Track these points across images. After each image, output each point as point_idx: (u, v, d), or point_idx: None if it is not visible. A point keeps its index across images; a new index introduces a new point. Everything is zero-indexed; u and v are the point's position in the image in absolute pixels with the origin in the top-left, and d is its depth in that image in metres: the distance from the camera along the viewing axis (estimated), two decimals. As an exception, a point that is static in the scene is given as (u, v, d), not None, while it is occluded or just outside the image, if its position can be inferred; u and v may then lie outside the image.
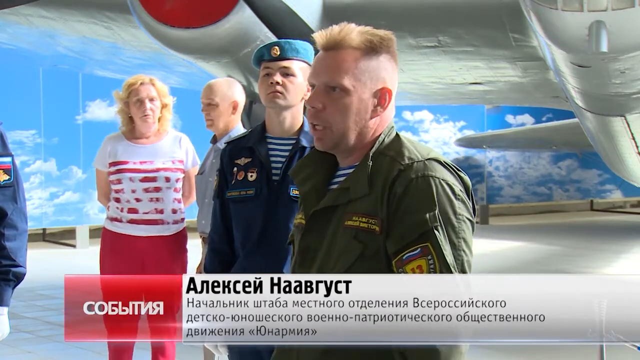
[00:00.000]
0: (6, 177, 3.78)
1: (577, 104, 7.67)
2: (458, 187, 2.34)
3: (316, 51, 2.47)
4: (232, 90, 5.38)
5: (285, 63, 3.65)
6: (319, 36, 2.40)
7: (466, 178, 2.40)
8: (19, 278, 3.81)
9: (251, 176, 3.68)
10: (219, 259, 3.76)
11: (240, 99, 5.40)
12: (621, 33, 5.29)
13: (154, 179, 5.34)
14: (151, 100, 5.37)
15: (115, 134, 5.52)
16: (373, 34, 2.39)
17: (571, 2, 5.18)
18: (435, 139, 16.69)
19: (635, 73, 6.14)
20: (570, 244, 14.15)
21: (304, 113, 3.81)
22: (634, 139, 8.29)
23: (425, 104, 14.64)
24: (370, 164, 2.36)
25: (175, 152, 5.46)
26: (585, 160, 17.67)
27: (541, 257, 12.93)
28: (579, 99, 7.40)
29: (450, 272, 2.25)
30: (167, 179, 5.38)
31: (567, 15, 5.25)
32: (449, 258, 2.26)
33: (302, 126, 3.73)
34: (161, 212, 5.36)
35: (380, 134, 2.41)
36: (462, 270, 2.28)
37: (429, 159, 2.35)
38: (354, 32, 2.38)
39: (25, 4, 7.18)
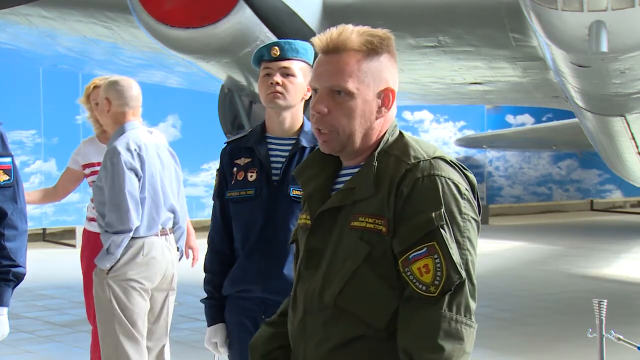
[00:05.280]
0: (6, 177, 3.78)
1: (577, 104, 7.67)
2: (464, 186, 2.34)
3: (315, 55, 2.46)
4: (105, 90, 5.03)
5: (285, 63, 3.64)
6: (319, 40, 2.38)
7: (472, 176, 2.40)
8: (19, 278, 3.81)
9: (251, 176, 3.68)
10: (219, 259, 3.77)
11: (113, 95, 4.92)
12: (621, 33, 5.28)
13: None
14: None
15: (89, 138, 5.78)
16: (372, 34, 2.38)
17: (571, 2, 5.17)
18: (435, 139, 16.67)
19: (635, 73, 6.13)
20: (570, 244, 14.14)
21: (304, 113, 3.80)
22: (634, 139, 8.28)
23: (425, 104, 14.63)
24: (376, 164, 2.35)
25: None
26: (585, 160, 17.65)
27: (541, 257, 12.93)
28: (579, 99, 7.40)
29: (457, 270, 2.25)
30: None
31: (567, 15, 5.25)
32: (456, 257, 2.26)
33: (302, 126, 3.72)
34: None
35: (384, 134, 2.41)
36: (467, 270, 2.27)
37: (434, 157, 2.35)
38: (353, 34, 2.36)
39: (25, 4, 7.17)
